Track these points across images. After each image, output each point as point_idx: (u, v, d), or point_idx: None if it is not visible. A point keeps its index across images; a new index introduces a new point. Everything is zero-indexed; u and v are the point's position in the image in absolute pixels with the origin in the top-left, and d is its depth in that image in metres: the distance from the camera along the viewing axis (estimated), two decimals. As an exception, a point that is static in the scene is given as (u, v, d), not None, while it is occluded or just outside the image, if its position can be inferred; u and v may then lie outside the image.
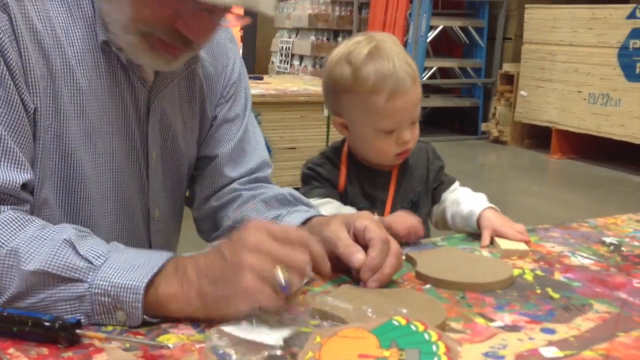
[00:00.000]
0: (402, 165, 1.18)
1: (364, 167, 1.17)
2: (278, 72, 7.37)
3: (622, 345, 0.70)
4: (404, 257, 0.88)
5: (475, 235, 1.07)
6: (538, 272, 0.92)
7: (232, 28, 1.06)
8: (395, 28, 5.89)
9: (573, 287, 0.86)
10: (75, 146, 0.85)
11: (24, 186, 0.79)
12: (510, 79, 5.50)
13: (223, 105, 1.05)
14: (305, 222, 0.93)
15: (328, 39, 6.75)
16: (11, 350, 0.64)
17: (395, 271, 0.83)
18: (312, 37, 6.75)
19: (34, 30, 0.80)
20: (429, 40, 5.76)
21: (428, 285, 0.85)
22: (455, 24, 5.94)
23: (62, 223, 0.78)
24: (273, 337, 0.66)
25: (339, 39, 6.73)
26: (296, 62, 7.13)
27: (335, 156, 1.17)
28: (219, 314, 0.70)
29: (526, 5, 5.33)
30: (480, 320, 0.75)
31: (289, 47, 7.28)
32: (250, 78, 4.98)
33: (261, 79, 4.40)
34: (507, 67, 5.56)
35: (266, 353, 0.63)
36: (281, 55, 7.45)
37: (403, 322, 0.65)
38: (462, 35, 6.02)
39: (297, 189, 1.10)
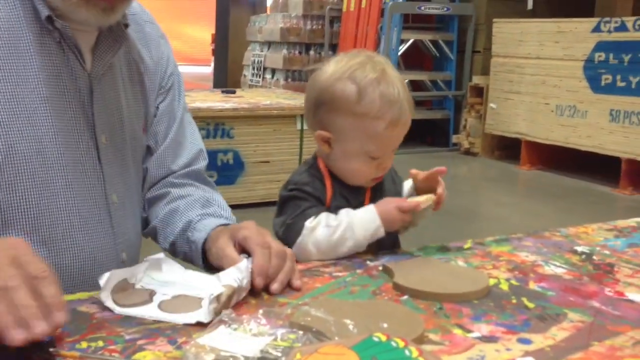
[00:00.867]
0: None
1: (341, 181, 1.16)
2: (250, 86, 7.37)
3: (596, 355, 0.71)
4: (291, 255, 0.91)
5: (450, 246, 1.09)
6: (513, 281, 0.93)
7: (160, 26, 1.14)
8: (367, 41, 5.95)
9: (547, 297, 0.87)
10: (14, 135, 0.86)
11: None
12: (480, 92, 5.58)
13: (162, 97, 1.11)
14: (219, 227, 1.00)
15: (300, 53, 6.78)
16: (-19, 372, 0.63)
17: (280, 270, 0.86)
18: (285, 51, 6.78)
19: None
20: (400, 53, 5.83)
21: (406, 297, 0.86)
22: (426, 37, 6.02)
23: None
24: (250, 348, 0.65)
25: (311, 52, 6.78)
26: (268, 76, 7.14)
27: (317, 172, 1.14)
28: None
29: (494, 20, 5.43)
30: (457, 331, 0.75)
31: (261, 61, 7.29)
32: (222, 92, 4.94)
33: (234, 92, 4.39)
34: (477, 80, 5.64)
35: None
36: (253, 68, 7.45)
37: (383, 338, 0.65)
38: (433, 48, 6.11)
39: (280, 208, 1.10)
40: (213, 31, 7.52)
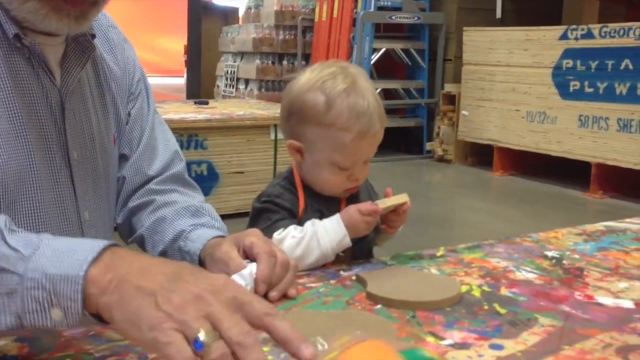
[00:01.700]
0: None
1: (315, 192, 1.16)
2: (224, 96, 7.35)
3: (567, 359, 0.71)
4: (294, 267, 0.91)
5: (423, 253, 1.09)
6: (485, 287, 0.93)
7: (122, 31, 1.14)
8: (339, 51, 5.98)
9: (519, 302, 0.88)
10: None
11: None
12: (452, 99, 5.64)
13: (132, 103, 1.11)
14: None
15: (273, 63, 6.79)
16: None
17: (281, 279, 0.87)
18: (257, 61, 6.78)
19: None
20: (372, 62, 5.87)
21: (379, 306, 0.86)
22: (398, 46, 6.08)
23: None
24: None
25: (284, 62, 6.79)
26: (242, 86, 7.13)
27: (289, 184, 1.14)
28: (122, 326, 0.59)
29: (464, 28, 5.51)
30: (430, 339, 0.76)
31: (234, 71, 7.28)
32: (195, 103, 4.89)
33: (207, 103, 4.37)
34: (449, 88, 5.71)
35: None
36: (226, 79, 7.44)
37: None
38: (405, 57, 6.16)
39: (252, 220, 1.10)
40: (185, 42, 7.48)
